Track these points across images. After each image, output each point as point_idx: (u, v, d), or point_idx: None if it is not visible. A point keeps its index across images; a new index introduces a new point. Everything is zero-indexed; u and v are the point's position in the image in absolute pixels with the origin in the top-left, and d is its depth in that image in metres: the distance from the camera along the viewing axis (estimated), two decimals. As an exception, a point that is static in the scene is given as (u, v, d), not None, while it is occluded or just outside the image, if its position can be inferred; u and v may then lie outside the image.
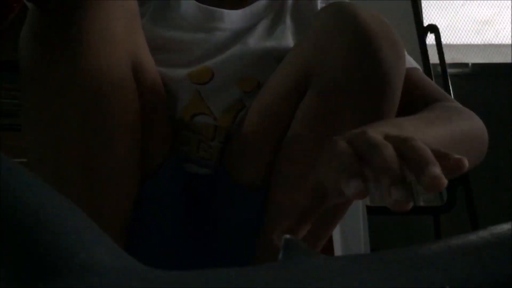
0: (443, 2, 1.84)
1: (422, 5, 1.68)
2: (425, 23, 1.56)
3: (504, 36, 1.86)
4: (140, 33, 0.54)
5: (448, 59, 1.58)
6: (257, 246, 0.58)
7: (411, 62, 0.64)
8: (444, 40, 1.62)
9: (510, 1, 1.81)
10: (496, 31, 1.88)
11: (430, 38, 1.56)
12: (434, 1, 1.83)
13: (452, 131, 0.50)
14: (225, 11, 0.65)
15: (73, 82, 0.46)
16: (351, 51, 0.49)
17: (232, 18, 0.66)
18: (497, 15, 1.87)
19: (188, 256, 0.59)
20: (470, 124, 0.55)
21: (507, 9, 1.84)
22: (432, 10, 1.82)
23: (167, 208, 0.58)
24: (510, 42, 1.83)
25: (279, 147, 0.55)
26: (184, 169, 0.60)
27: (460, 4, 1.87)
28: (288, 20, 0.68)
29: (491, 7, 1.87)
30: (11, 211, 0.22)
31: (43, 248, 0.21)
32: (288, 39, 0.65)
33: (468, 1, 1.87)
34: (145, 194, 0.54)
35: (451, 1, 1.86)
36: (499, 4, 1.86)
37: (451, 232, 1.57)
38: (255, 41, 0.64)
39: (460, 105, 0.61)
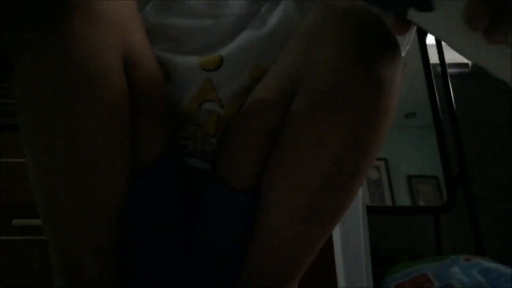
0: (443, 2, 1.84)
1: None
2: (425, 23, 1.56)
3: (504, 36, 1.86)
4: (137, 24, 0.52)
5: (448, 59, 1.58)
6: (247, 258, 0.57)
7: None
8: (444, 40, 1.61)
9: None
10: (496, 31, 1.87)
11: (430, 38, 1.56)
12: (434, 1, 1.83)
13: None
14: None
15: (56, 68, 0.45)
16: (342, 58, 0.46)
17: (236, 3, 0.65)
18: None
19: (178, 255, 0.58)
20: None
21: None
22: (432, 10, 1.81)
23: (160, 203, 0.57)
24: (510, 42, 1.83)
25: (270, 149, 0.54)
26: (185, 163, 0.60)
27: None
28: None
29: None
30: None
31: None
32: (290, 11, 0.63)
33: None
34: (138, 190, 0.54)
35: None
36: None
37: (451, 232, 1.58)
38: (260, 27, 0.63)
39: None
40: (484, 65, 0.40)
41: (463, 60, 1.81)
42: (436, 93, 1.52)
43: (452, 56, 1.77)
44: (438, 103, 1.50)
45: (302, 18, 0.54)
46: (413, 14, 0.41)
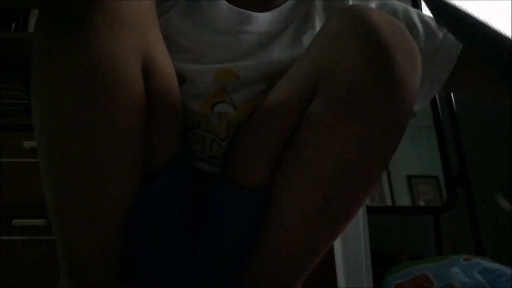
0: (443, 2, 1.84)
1: (422, 5, 1.68)
2: (425, 23, 1.56)
3: (504, 36, 1.86)
4: (155, 27, 0.52)
5: (448, 59, 1.58)
6: (253, 257, 0.57)
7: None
8: (444, 40, 1.62)
9: (510, 1, 1.81)
10: (496, 31, 1.87)
11: (430, 38, 1.56)
12: (434, 1, 1.83)
13: None
14: (253, 14, 0.64)
15: (76, 69, 0.45)
16: (363, 59, 0.47)
17: (260, 21, 0.65)
18: (497, 15, 1.87)
19: (182, 256, 0.58)
20: None
21: (507, 9, 1.84)
22: (432, 10, 1.82)
23: (171, 206, 0.57)
24: (510, 42, 1.83)
25: (284, 150, 0.54)
26: (194, 167, 0.60)
27: (460, 4, 1.87)
28: (317, 24, 0.67)
29: (491, 7, 1.87)
30: None
31: None
32: None
33: (468, 1, 1.87)
34: (149, 192, 0.54)
35: (451, 1, 1.86)
36: (499, 4, 1.86)
37: (451, 232, 1.57)
38: (281, 49, 0.63)
39: None
40: None
41: (463, 60, 1.80)
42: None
43: (452, 56, 1.76)
44: (438, 103, 1.51)
45: (326, 21, 0.55)
46: None
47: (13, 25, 1.41)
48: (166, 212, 0.57)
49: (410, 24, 0.66)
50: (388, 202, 1.49)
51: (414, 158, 1.54)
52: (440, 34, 0.65)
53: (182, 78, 0.60)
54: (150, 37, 0.50)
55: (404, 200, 1.51)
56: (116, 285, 0.54)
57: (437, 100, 1.51)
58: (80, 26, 0.44)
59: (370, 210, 1.19)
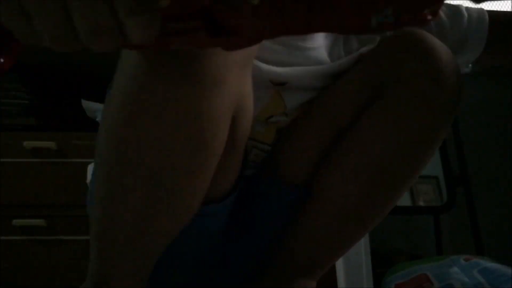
0: (443, 2, 1.84)
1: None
2: (425, 23, 1.56)
3: (504, 36, 1.87)
4: (249, 76, 0.49)
5: (448, 59, 1.58)
6: (282, 247, 0.58)
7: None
8: (444, 40, 1.62)
9: (510, 1, 1.81)
10: (496, 31, 1.88)
11: (430, 38, 1.56)
12: (434, 1, 1.83)
13: None
14: None
15: (170, 114, 0.41)
16: (423, 73, 0.53)
17: (314, 37, 0.63)
18: (497, 15, 1.87)
19: (224, 253, 0.60)
20: None
21: (507, 9, 1.85)
22: (432, 10, 1.82)
23: (218, 223, 0.57)
24: (510, 42, 1.83)
25: (332, 148, 0.57)
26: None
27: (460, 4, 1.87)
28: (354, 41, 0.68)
29: (491, 7, 1.87)
30: None
31: None
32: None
33: (468, 1, 1.87)
34: (202, 213, 0.52)
35: (451, 1, 1.86)
36: (499, 4, 1.86)
37: (451, 232, 1.57)
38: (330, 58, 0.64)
39: None
40: None
41: (463, 60, 1.81)
42: (436, 93, 1.52)
43: (452, 56, 1.76)
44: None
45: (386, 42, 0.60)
46: None
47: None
48: (210, 230, 0.56)
49: None
50: (388, 202, 1.50)
51: (414, 158, 1.54)
52: (464, 19, 0.70)
53: None
54: (244, 83, 0.47)
55: (404, 200, 1.52)
56: None
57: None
58: (187, 77, 0.40)
59: (370, 210, 1.19)
